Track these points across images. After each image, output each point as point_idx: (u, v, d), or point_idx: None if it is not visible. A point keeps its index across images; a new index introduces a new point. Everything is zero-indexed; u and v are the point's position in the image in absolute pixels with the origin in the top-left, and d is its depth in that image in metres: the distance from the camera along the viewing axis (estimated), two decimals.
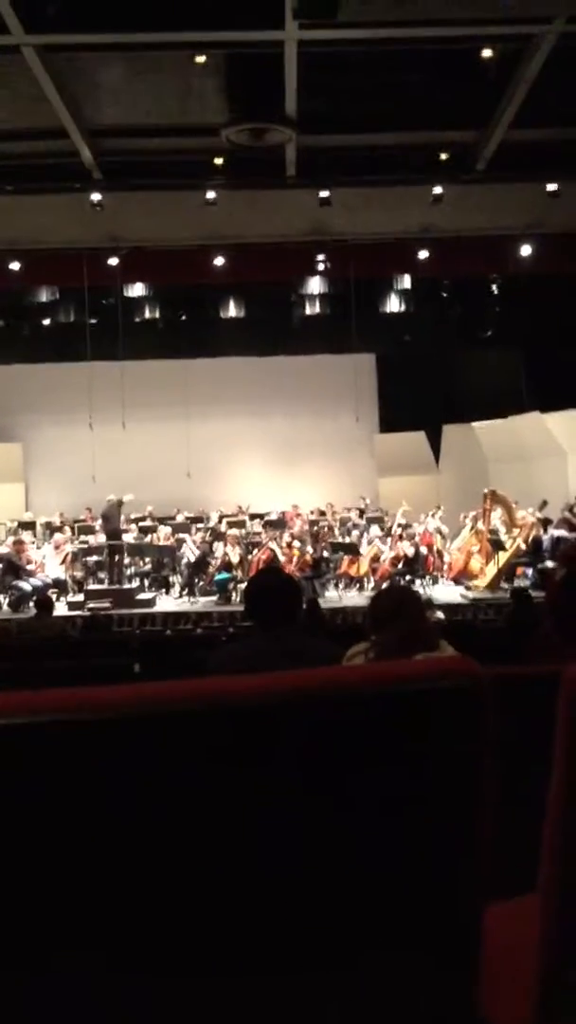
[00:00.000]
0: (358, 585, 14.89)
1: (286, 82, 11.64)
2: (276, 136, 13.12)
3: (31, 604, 12.54)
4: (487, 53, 11.86)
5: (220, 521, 16.76)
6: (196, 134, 13.60)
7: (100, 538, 15.32)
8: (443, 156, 14.46)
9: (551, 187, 14.52)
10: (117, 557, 14.66)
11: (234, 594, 13.73)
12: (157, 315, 19.00)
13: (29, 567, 14.27)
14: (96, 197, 14.63)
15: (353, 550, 14.76)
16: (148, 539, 15.72)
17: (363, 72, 12.33)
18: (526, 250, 15.85)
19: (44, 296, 18.08)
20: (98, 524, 15.59)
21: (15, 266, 15.90)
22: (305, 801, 0.93)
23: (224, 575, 14.14)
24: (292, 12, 9.92)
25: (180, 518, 17.09)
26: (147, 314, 18.83)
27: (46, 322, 19.30)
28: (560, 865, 1.01)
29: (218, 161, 14.46)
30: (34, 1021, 0.91)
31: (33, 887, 0.90)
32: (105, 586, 14.47)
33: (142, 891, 0.92)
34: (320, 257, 16.21)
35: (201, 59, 11.80)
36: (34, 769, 0.88)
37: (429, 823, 0.95)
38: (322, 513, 17.69)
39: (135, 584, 14.81)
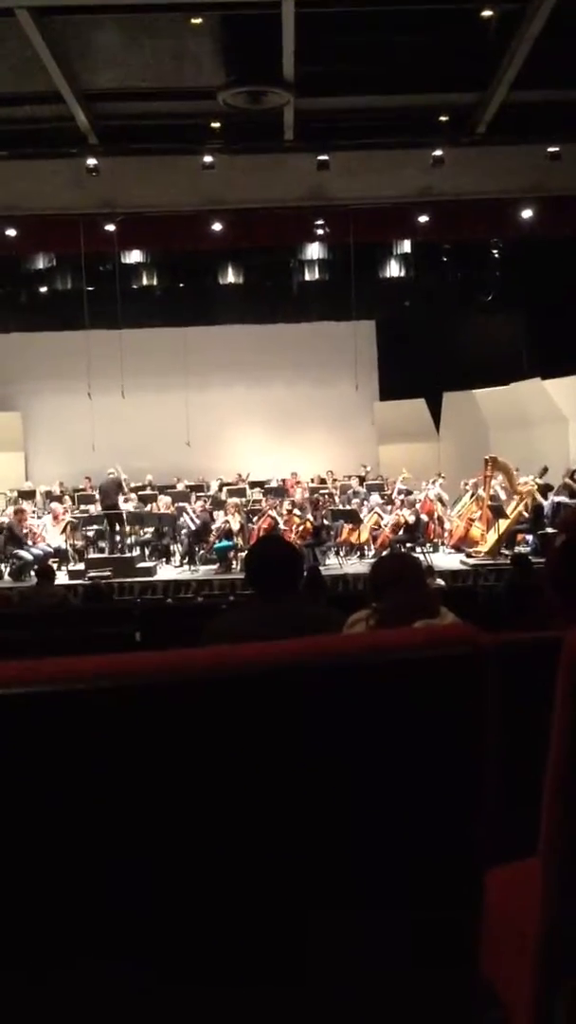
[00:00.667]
0: (359, 552, 14.92)
1: (283, 44, 11.47)
2: (273, 99, 12.96)
3: (32, 573, 12.58)
4: (487, 13, 11.67)
5: (220, 489, 16.77)
6: (192, 97, 13.43)
7: (99, 508, 15.34)
8: (443, 118, 14.28)
9: (552, 149, 14.37)
10: (117, 526, 14.68)
11: (235, 562, 13.76)
12: (155, 282, 18.85)
13: (29, 536, 14.29)
14: (92, 162, 14.48)
15: (354, 517, 14.77)
16: (148, 508, 15.73)
17: (361, 33, 12.14)
18: (527, 213, 15.70)
19: (41, 263, 17.94)
20: (97, 495, 15.61)
21: (11, 232, 15.75)
22: (307, 769, 0.93)
23: (224, 543, 14.16)
24: None
25: (180, 487, 17.09)
26: (145, 281, 18.69)
27: (43, 289, 19.15)
28: (559, 829, 1.02)
29: (215, 125, 14.30)
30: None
31: (30, 861, 0.90)
32: (106, 555, 14.51)
33: (140, 864, 0.92)
34: (319, 222, 16.06)
35: (197, 21, 11.63)
36: (35, 739, 0.88)
37: (431, 790, 0.95)
38: (322, 481, 17.68)
39: (136, 553, 14.83)
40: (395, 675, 0.92)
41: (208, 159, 14.45)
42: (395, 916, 0.98)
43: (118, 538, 14.63)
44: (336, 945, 0.98)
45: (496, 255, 18.80)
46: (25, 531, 14.18)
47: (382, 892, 0.97)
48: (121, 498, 15.20)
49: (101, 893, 0.92)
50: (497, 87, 13.00)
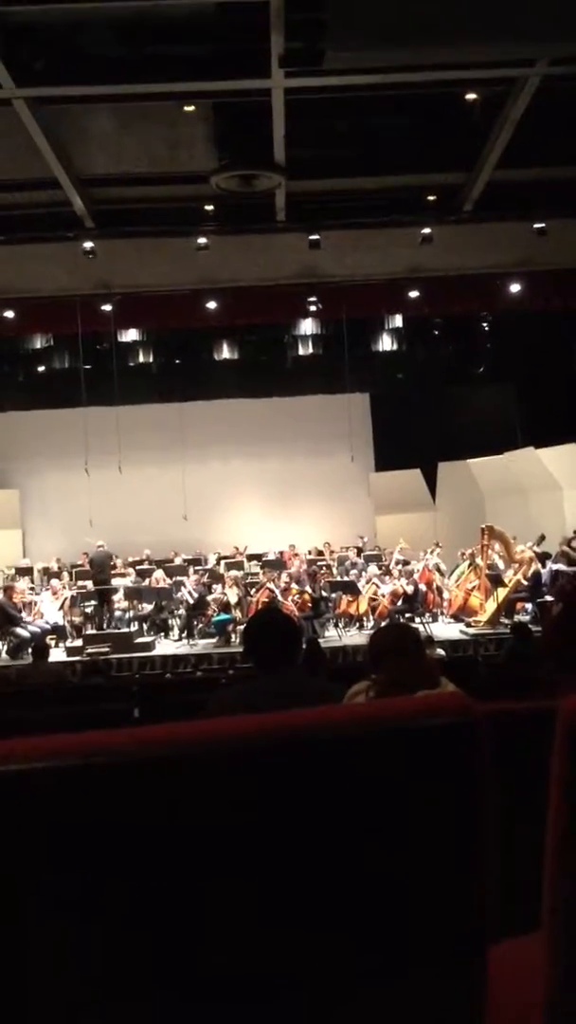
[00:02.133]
0: (358, 624, 14.86)
1: (274, 129, 11.82)
2: (265, 182, 13.30)
3: (29, 651, 12.50)
4: (471, 96, 12.06)
5: (218, 563, 16.76)
6: (186, 181, 13.78)
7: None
8: (430, 197, 14.65)
9: (538, 225, 14.70)
10: (106, 604, 14.69)
11: (233, 635, 13.69)
12: (151, 359, 19.13)
13: (24, 613, 14.24)
14: (88, 245, 14.79)
15: (352, 589, 14.74)
16: (146, 582, 15.70)
17: (350, 117, 12.55)
18: (515, 288, 16.01)
19: (39, 343, 18.21)
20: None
21: (9, 314, 16.03)
22: (304, 841, 0.92)
23: (223, 616, 14.11)
24: (278, 61, 10.11)
25: (178, 560, 17.08)
26: (141, 358, 18.96)
27: (41, 369, 19.41)
28: (561, 901, 1.01)
29: (208, 207, 14.64)
30: None
31: (25, 937, 0.89)
32: (103, 631, 14.44)
33: (136, 938, 0.91)
34: (311, 299, 16.35)
35: (190, 108, 12.00)
36: (33, 815, 0.88)
37: (429, 862, 0.95)
38: (320, 552, 17.69)
39: (134, 628, 14.76)
40: (388, 746, 0.92)
41: (202, 240, 14.76)
42: (396, 993, 0.96)
43: (107, 615, 14.60)
44: (338, 1021, 0.96)
45: (486, 328, 19.12)
46: (20, 608, 14.14)
47: (382, 968, 0.95)
48: (119, 566, 15.22)
49: (95, 975, 0.91)
50: (483, 167, 13.35)
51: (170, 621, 15.24)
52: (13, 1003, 0.89)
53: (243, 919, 0.92)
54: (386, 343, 18.98)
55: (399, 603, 14.42)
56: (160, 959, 0.91)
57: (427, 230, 14.83)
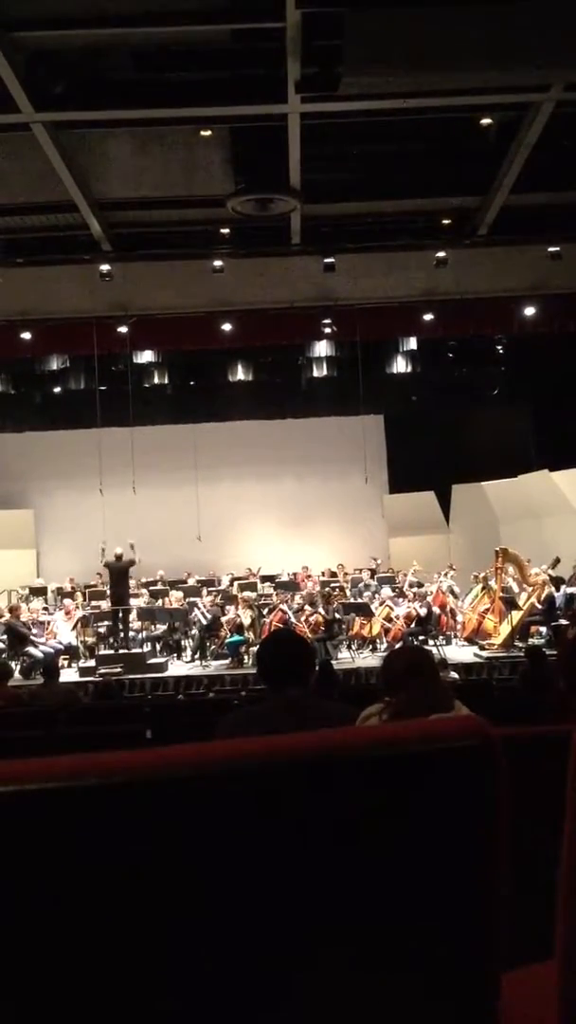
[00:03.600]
0: (371, 646, 14.81)
1: (290, 153, 11.91)
2: (281, 206, 13.38)
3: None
4: (486, 121, 12.13)
5: (231, 584, 16.75)
6: (202, 205, 13.89)
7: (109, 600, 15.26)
8: (445, 221, 14.70)
9: (552, 249, 14.73)
10: (123, 622, 14.59)
11: (246, 657, 13.67)
12: (166, 381, 19.23)
13: (35, 633, 14.24)
14: (105, 268, 14.91)
15: (365, 611, 14.70)
16: (159, 603, 15.70)
17: (365, 141, 12.63)
18: (529, 311, 16.04)
19: (55, 364, 18.33)
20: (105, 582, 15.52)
21: (27, 336, 16.15)
22: (314, 864, 0.92)
23: (236, 638, 14.09)
24: (294, 86, 10.20)
25: (191, 581, 17.09)
26: (156, 380, 19.07)
27: (57, 389, 19.54)
28: (575, 928, 1.00)
29: (224, 231, 14.74)
30: None
31: (38, 960, 0.88)
32: (116, 651, 14.42)
33: (146, 959, 0.90)
34: (326, 321, 16.41)
35: (207, 133, 12.11)
36: (48, 836, 0.88)
37: (441, 887, 0.94)
38: (333, 574, 17.66)
39: (147, 648, 14.75)
40: (401, 769, 0.92)
41: (218, 263, 14.86)
42: (408, 1021, 0.95)
43: (122, 633, 14.49)
44: None
45: (500, 351, 19.14)
46: (31, 627, 14.16)
47: (393, 995, 0.94)
48: (132, 582, 15.16)
49: (102, 999, 0.90)
50: (497, 191, 13.41)
51: (183, 642, 15.23)
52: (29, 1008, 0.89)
53: (255, 938, 0.91)
54: (400, 365, 19.01)
55: (413, 625, 14.37)
56: (172, 981, 0.90)
57: (442, 253, 14.89)
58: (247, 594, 15.45)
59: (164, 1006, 0.91)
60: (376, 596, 15.65)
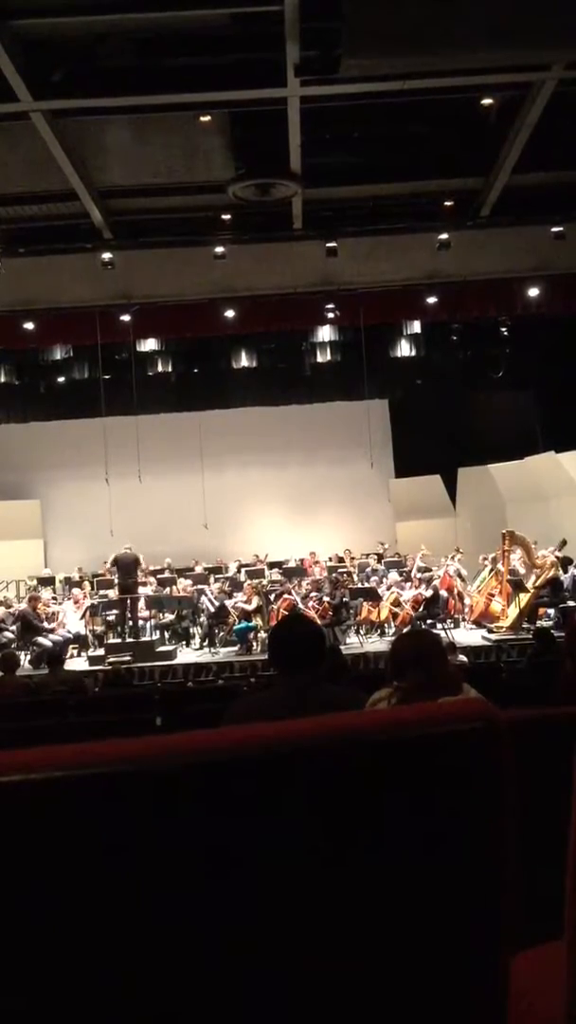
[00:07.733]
0: (379, 631, 14.83)
1: (290, 137, 11.85)
2: (282, 191, 13.33)
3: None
4: (487, 101, 12.05)
5: (239, 571, 16.77)
6: (203, 191, 13.84)
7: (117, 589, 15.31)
8: (447, 203, 14.63)
9: (556, 229, 14.66)
10: (132, 610, 14.63)
11: (255, 644, 13.70)
12: (170, 369, 19.16)
13: (47, 623, 14.30)
14: (107, 256, 14.87)
15: (373, 595, 14.71)
16: (167, 591, 15.73)
17: (365, 124, 12.55)
18: (533, 292, 15.95)
19: (58, 354, 18.28)
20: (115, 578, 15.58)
21: (29, 326, 16.12)
22: (324, 848, 0.92)
23: (244, 624, 14.11)
24: (294, 69, 10.14)
25: (198, 569, 17.11)
26: (160, 368, 19.01)
27: (60, 379, 19.51)
28: None
29: (225, 217, 14.69)
30: None
31: (46, 947, 0.89)
32: (125, 639, 14.46)
33: (153, 943, 0.91)
34: (329, 306, 16.35)
35: (206, 119, 12.05)
36: (57, 824, 0.89)
37: (449, 870, 0.94)
38: (340, 559, 17.66)
39: (155, 636, 14.79)
40: (410, 753, 0.92)
41: (219, 249, 14.80)
42: (417, 1003, 0.95)
43: (131, 621, 14.53)
44: None
45: (505, 333, 19.05)
46: (44, 618, 14.20)
47: (401, 978, 0.95)
48: (140, 575, 15.20)
49: (107, 988, 0.91)
50: (499, 171, 13.33)
51: (191, 630, 15.27)
52: (32, 999, 0.90)
53: (257, 927, 0.92)
54: (404, 349, 18.94)
55: (420, 609, 14.38)
56: (182, 971, 0.91)
57: (444, 236, 14.81)
58: (254, 581, 15.47)
59: (177, 985, 0.92)
60: (383, 581, 15.66)
